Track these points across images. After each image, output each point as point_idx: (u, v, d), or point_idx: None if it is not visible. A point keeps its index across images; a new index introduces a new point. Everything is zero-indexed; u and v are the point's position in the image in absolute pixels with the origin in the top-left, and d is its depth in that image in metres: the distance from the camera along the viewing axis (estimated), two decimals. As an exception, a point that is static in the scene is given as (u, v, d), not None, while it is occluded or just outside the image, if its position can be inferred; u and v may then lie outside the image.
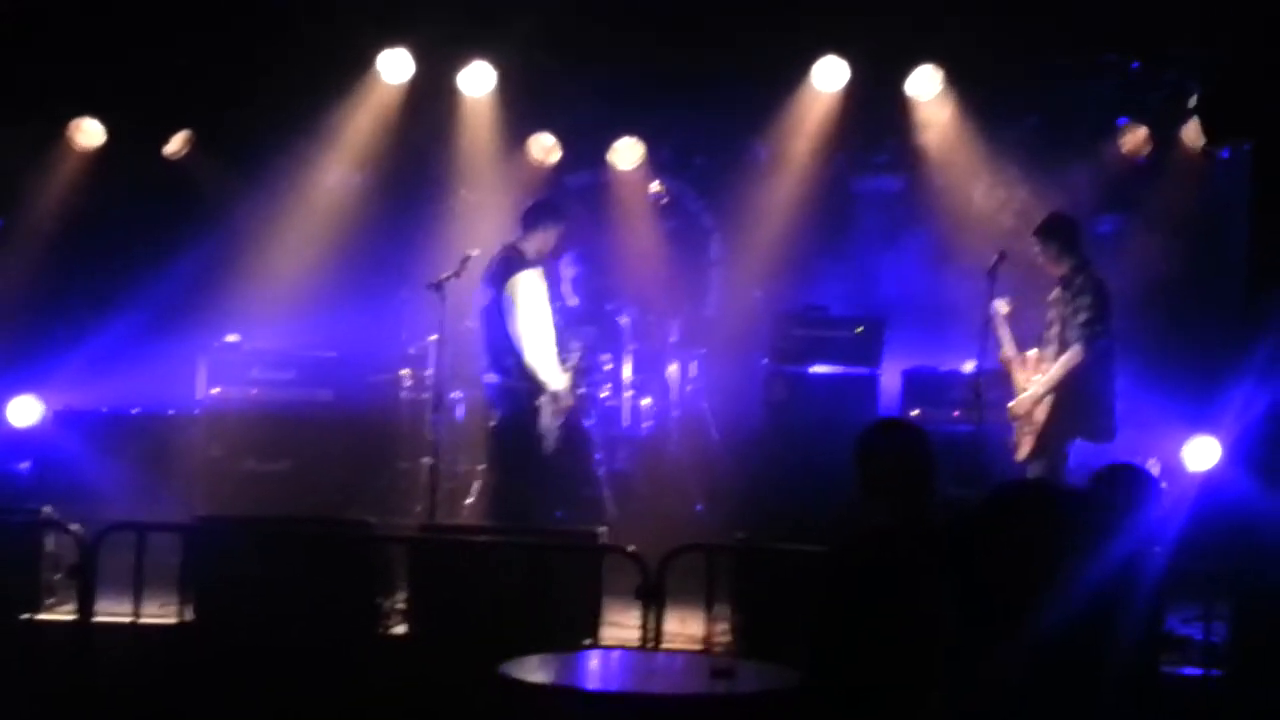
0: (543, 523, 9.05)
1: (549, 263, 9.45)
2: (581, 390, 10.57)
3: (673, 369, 11.03)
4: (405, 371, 10.90)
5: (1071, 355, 8.73)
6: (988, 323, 9.11)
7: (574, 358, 9.53)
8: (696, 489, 10.65)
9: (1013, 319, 9.14)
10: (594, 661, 6.46)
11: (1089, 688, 4.20)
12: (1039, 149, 10.99)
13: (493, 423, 9.31)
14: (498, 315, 9.01)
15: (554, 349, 9.13)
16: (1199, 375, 10.09)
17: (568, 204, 9.55)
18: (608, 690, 5.63)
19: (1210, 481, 8.95)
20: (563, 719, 5.27)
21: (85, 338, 10.95)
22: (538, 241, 9.20)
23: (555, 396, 9.11)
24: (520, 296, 8.95)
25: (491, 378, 9.18)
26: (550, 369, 9.07)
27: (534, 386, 9.01)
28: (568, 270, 11.16)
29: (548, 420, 9.13)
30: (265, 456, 10.56)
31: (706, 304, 12.10)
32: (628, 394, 10.82)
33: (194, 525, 8.16)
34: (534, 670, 5.61)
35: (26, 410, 10.58)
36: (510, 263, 9.09)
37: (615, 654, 7.04)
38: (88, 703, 7.31)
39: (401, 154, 11.51)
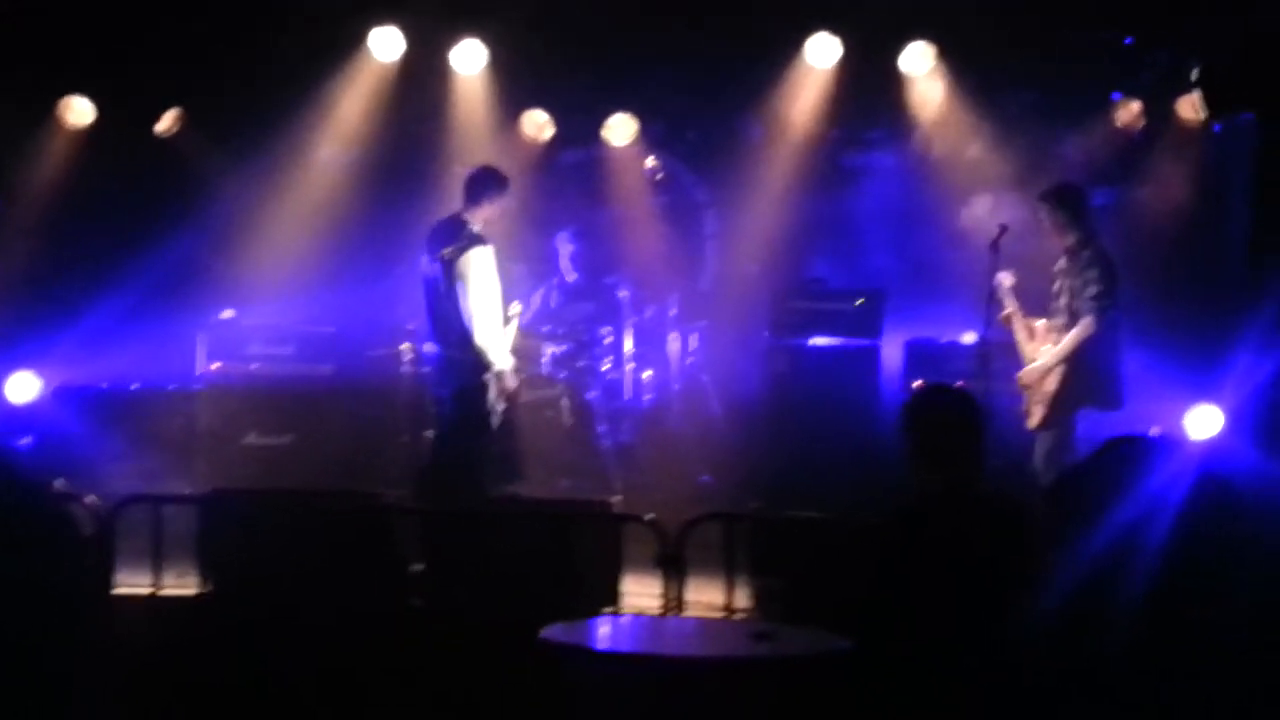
0: (479, 500, 8.79)
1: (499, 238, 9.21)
2: (584, 363, 10.62)
3: (673, 342, 11.06)
4: (405, 346, 10.88)
5: (1083, 327, 8.80)
6: (991, 295, 9.17)
7: (513, 323, 9.27)
8: (700, 460, 10.71)
9: (1016, 290, 9.22)
10: (633, 627, 6.49)
11: (1093, 656, 4.23)
12: (1033, 124, 11.04)
13: (440, 394, 9.21)
14: (447, 286, 8.88)
15: (502, 328, 8.99)
16: (1199, 344, 10.19)
17: (505, 174, 9.27)
18: (659, 654, 5.65)
19: (1212, 449, 9.04)
20: (610, 684, 5.28)
21: (82, 314, 10.89)
22: (485, 212, 9.03)
23: (500, 375, 8.94)
24: (473, 273, 8.79)
25: (436, 349, 9.12)
26: (499, 348, 8.91)
27: (481, 362, 8.87)
28: (565, 247, 11.19)
29: (493, 397, 9.02)
30: (266, 431, 10.56)
31: (703, 278, 12.13)
32: (629, 367, 10.85)
33: (211, 497, 8.16)
34: (575, 636, 5.63)
35: (25, 386, 10.55)
36: (459, 235, 8.93)
37: (652, 620, 7.08)
38: (109, 674, 7.29)
39: (394, 130, 11.51)
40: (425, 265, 9.09)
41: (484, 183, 9.11)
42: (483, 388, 8.87)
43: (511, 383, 8.98)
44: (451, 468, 9.01)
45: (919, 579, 4.89)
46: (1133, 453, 2.81)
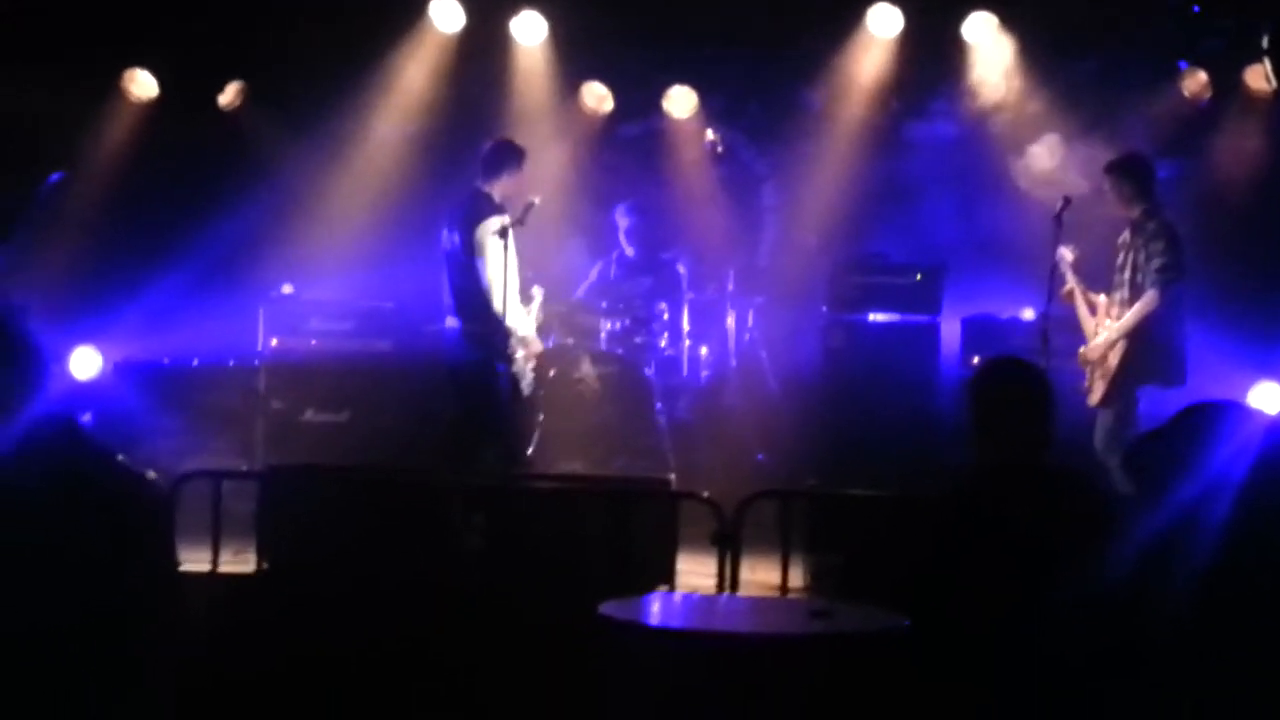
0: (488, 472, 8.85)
1: (515, 206, 9.20)
2: (641, 339, 10.58)
3: (730, 318, 11.01)
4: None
5: (1147, 300, 8.70)
6: (1054, 270, 9.08)
7: (535, 304, 9.34)
8: (756, 438, 10.65)
9: (1077, 265, 9.13)
10: (688, 604, 6.47)
11: (1150, 631, 4.15)
12: (1097, 93, 10.90)
13: (459, 365, 9.24)
14: (467, 259, 8.95)
15: (518, 296, 9.07)
16: (1264, 320, 10.08)
17: (521, 146, 9.40)
18: (714, 629, 5.62)
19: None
20: (666, 660, 5.26)
21: (144, 289, 10.94)
22: (503, 185, 9.11)
23: (525, 341, 9.06)
24: (489, 244, 8.86)
25: (457, 322, 9.15)
26: (516, 314, 9.01)
27: (503, 332, 8.93)
28: (622, 220, 11.15)
29: (521, 365, 9.09)
30: (324, 407, 10.59)
31: (761, 253, 12.06)
32: (686, 343, 10.81)
33: (269, 473, 8.18)
34: (630, 612, 5.60)
35: (87, 362, 10.61)
36: (479, 207, 9.01)
37: (706, 597, 7.06)
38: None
39: (455, 103, 11.48)
40: (445, 239, 9.15)
41: (502, 155, 9.22)
42: (506, 358, 8.92)
43: (537, 347, 9.13)
44: (476, 439, 9.08)
45: (979, 555, 4.84)
46: (1210, 420, 2.74)
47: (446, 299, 9.21)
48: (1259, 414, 2.79)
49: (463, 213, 9.07)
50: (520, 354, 9.07)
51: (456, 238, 9.03)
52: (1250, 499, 2.68)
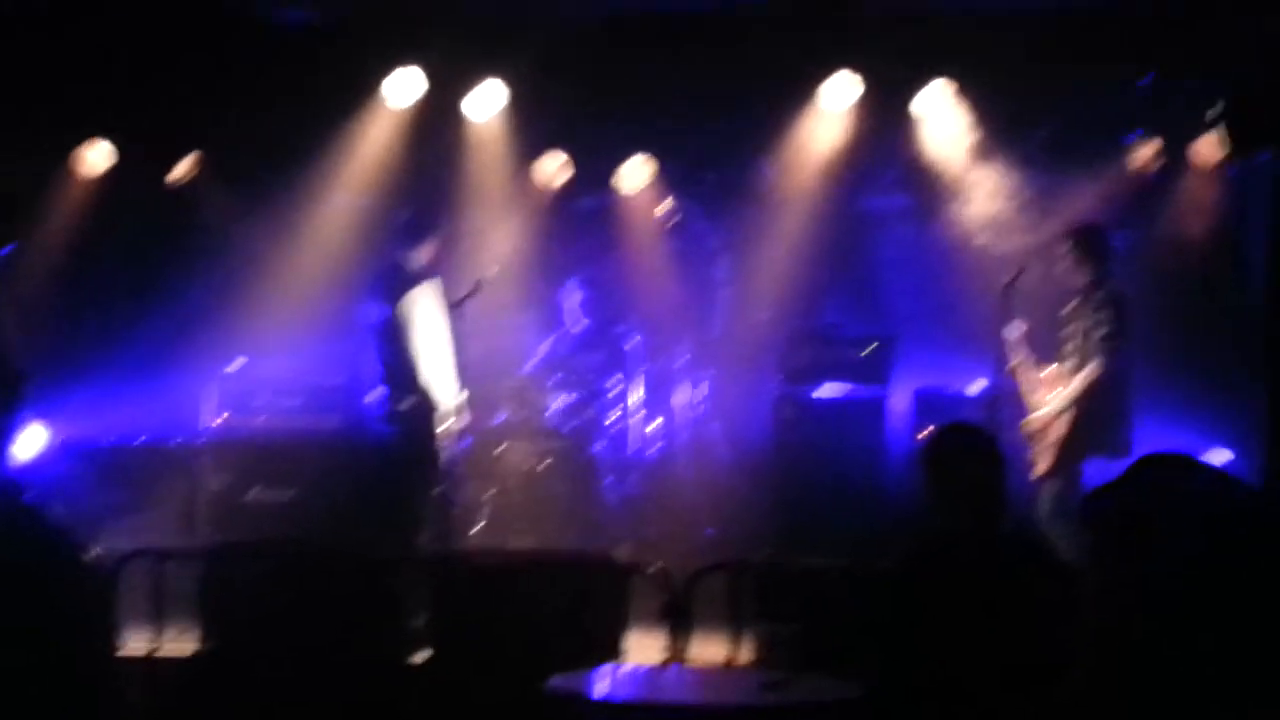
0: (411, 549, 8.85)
1: (438, 274, 9.25)
2: (591, 413, 10.51)
3: (682, 391, 10.95)
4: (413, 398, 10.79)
5: (1093, 369, 8.67)
6: (1004, 342, 9.04)
7: (462, 399, 9.22)
8: (707, 512, 10.57)
9: (1028, 338, 9.11)
10: (636, 676, 6.39)
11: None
12: (1049, 163, 10.94)
13: (386, 442, 9.18)
14: (391, 333, 8.93)
15: (450, 367, 9.02)
16: (1214, 389, 10.08)
17: (439, 215, 9.57)
18: (660, 701, 5.54)
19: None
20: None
21: (93, 365, 10.84)
22: (421, 255, 9.12)
23: (449, 413, 9.00)
24: (415, 314, 8.86)
25: (382, 397, 9.10)
26: (445, 387, 8.97)
27: (429, 406, 8.90)
28: (574, 295, 11.10)
29: (440, 438, 9.02)
30: (271, 484, 10.45)
31: (714, 325, 12.01)
32: (636, 417, 10.72)
33: (212, 551, 8.06)
34: (576, 685, 5.53)
35: (32, 439, 10.46)
36: (399, 278, 9.02)
37: (655, 669, 6.97)
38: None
39: (409, 177, 11.43)
40: (367, 313, 9.15)
41: (418, 226, 9.27)
42: (430, 432, 8.83)
43: (461, 422, 9.04)
44: (397, 514, 9.02)
45: (936, 622, 4.78)
46: (1165, 471, 2.68)
47: (376, 373, 9.16)
48: (1210, 467, 2.73)
49: (385, 286, 9.08)
50: (442, 427, 8.98)
51: (378, 312, 9.01)
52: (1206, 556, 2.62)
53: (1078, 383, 8.72)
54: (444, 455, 9.03)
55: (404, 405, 8.96)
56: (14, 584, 3.03)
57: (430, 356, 8.87)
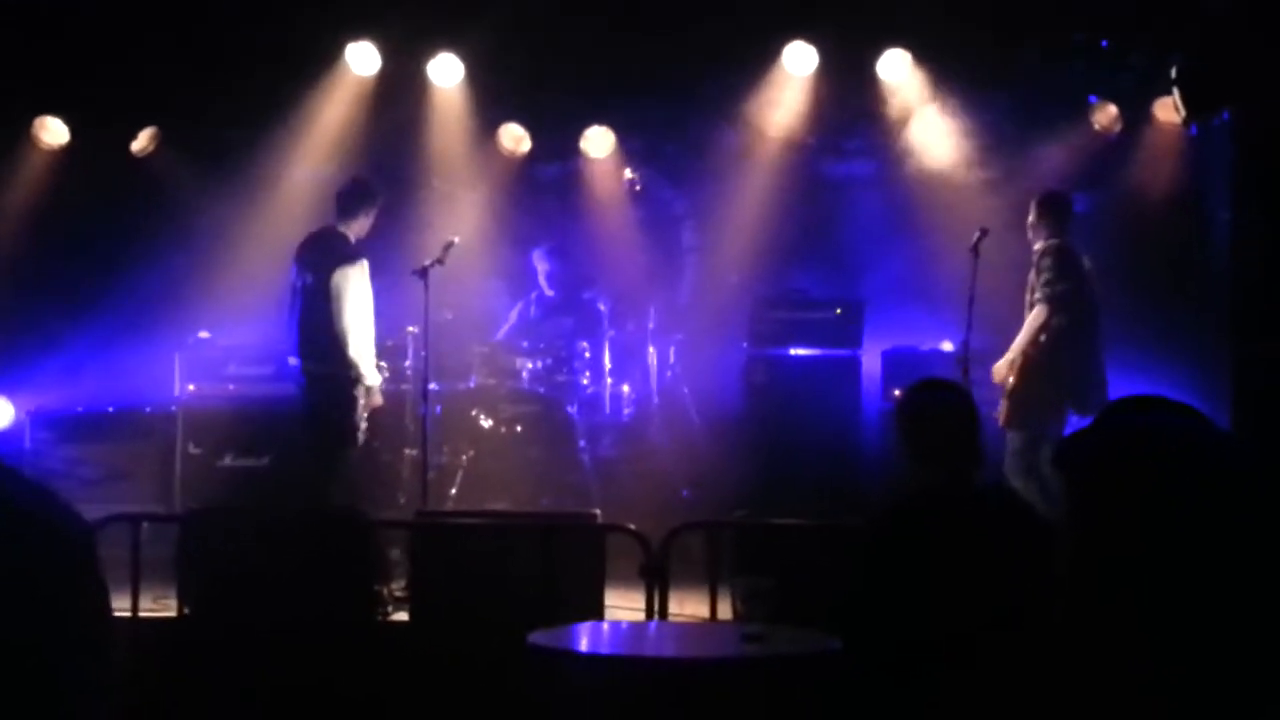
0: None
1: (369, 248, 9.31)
2: (563, 378, 10.55)
3: (652, 355, 11.01)
4: (382, 364, 10.78)
5: (1035, 315, 8.83)
6: (972, 302, 9.13)
7: (379, 380, 9.25)
8: (680, 474, 10.63)
9: (990, 292, 9.22)
10: (619, 632, 6.44)
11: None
12: (1010, 129, 11.03)
13: (303, 408, 9.19)
14: (319, 300, 8.91)
15: (372, 344, 9.06)
16: (1178, 350, 10.19)
17: (379, 185, 9.55)
18: (647, 655, 5.59)
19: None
20: (599, 688, 5.21)
21: (58, 337, 10.80)
22: (358, 225, 9.15)
23: (370, 390, 9.01)
24: (349, 287, 8.87)
25: (300, 362, 9.10)
26: (370, 363, 9.00)
27: (353, 377, 8.90)
28: (541, 263, 11.14)
29: (360, 413, 9.02)
30: (243, 452, 10.47)
31: (681, 290, 12.08)
32: (608, 381, 10.78)
33: (188, 516, 8.07)
34: (560, 641, 5.56)
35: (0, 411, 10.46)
36: (334, 248, 9.03)
37: (638, 624, 7.03)
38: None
39: (372, 146, 11.41)
40: (294, 276, 9.14)
41: (356, 195, 9.25)
42: (352, 402, 8.87)
43: (378, 399, 9.05)
44: (309, 483, 9.02)
45: (914, 576, 4.83)
46: (1142, 410, 2.72)
47: (289, 337, 9.15)
48: (1184, 407, 2.74)
49: (318, 253, 9.06)
50: (362, 402, 8.99)
51: (310, 277, 9.00)
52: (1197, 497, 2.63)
53: (1023, 331, 8.88)
54: (362, 429, 9.02)
55: (322, 371, 8.93)
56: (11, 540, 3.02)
57: (361, 330, 8.88)
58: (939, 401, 5.32)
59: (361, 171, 11.26)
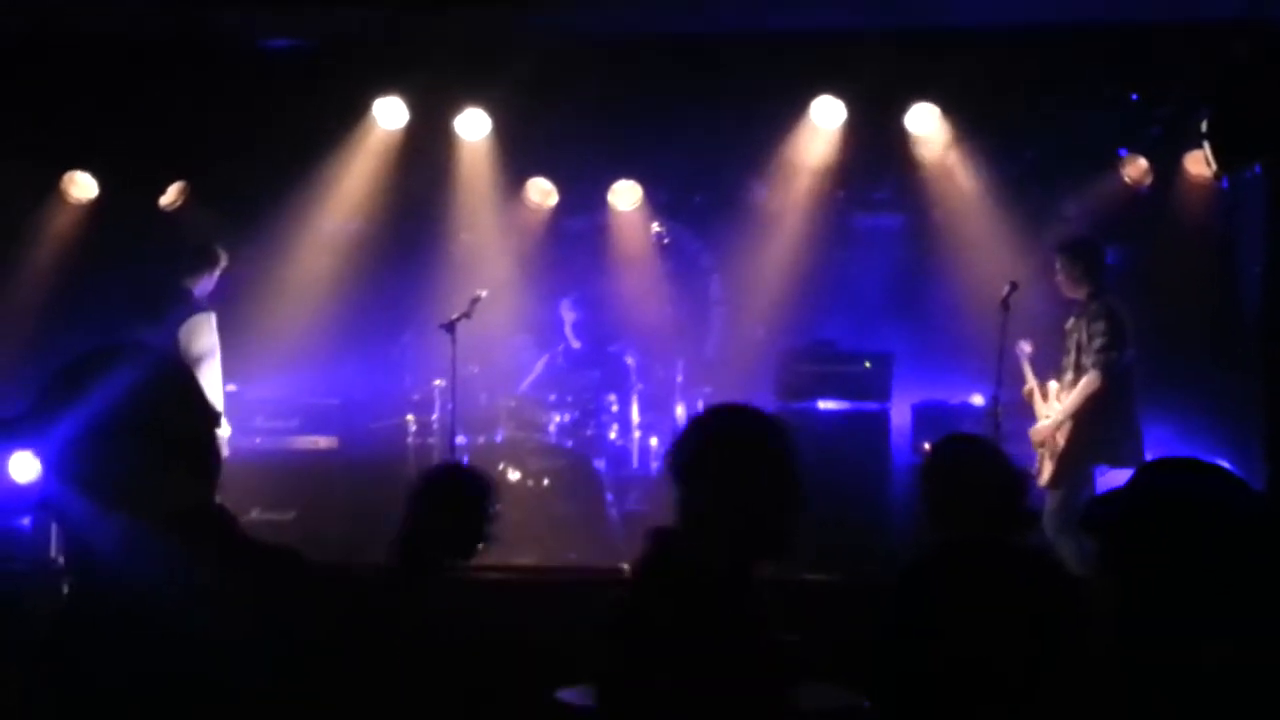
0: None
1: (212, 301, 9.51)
2: (590, 431, 10.51)
3: (679, 409, 10.96)
4: (409, 417, 10.80)
5: (1089, 381, 8.75)
6: (1001, 355, 9.11)
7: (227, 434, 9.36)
8: (708, 528, 10.53)
9: (1034, 357, 9.22)
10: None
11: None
12: (1039, 182, 10.99)
13: None
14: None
15: (220, 399, 9.16)
16: (1211, 403, 10.12)
17: (219, 251, 9.75)
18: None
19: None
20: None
21: (87, 393, 10.78)
22: (202, 282, 9.34)
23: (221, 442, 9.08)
24: (198, 340, 9.00)
25: None
26: (220, 417, 9.05)
27: None
28: (568, 314, 11.13)
29: None
30: (270, 506, 10.40)
31: (709, 345, 12.04)
32: (636, 434, 10.74)
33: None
34: (587, 698, 5.52)
35: (26, 465, 10.42)
36: (181, 304, 9.18)
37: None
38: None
39: (399, 200, 11.46)
40: (146, 334, 9.22)
41: (202, 254, 9.53)
42: None
43: (224, 451, 9.04)
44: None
45: (940, 632, 4.77)
46: (1171, 473, 2.68)
47: None
48: (1218, 470, 2.70)
49: (166, 308, 9.29)
50: None
51: (156, 333, 9.13)
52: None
53: (1075, 395, 8.80)
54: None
55: None
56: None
57: (211, 383, 8.93)
58: (967, 455, 5.27)
59: (385, 225, 11.34)
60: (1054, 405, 8.98)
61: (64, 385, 2.92)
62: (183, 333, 8.93)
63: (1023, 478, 5.34)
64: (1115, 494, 2.79)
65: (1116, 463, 8.69)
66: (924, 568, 5.02)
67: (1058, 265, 9.08)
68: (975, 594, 4.81)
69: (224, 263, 9.53)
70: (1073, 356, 8.93)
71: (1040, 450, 8.98)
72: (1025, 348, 9.19)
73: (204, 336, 8.94)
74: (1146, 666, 2.65)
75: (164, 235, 11.46)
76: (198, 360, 8.86)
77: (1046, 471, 8.86)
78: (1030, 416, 9.16)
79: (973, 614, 4.80)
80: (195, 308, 9.09)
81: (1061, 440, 8.81)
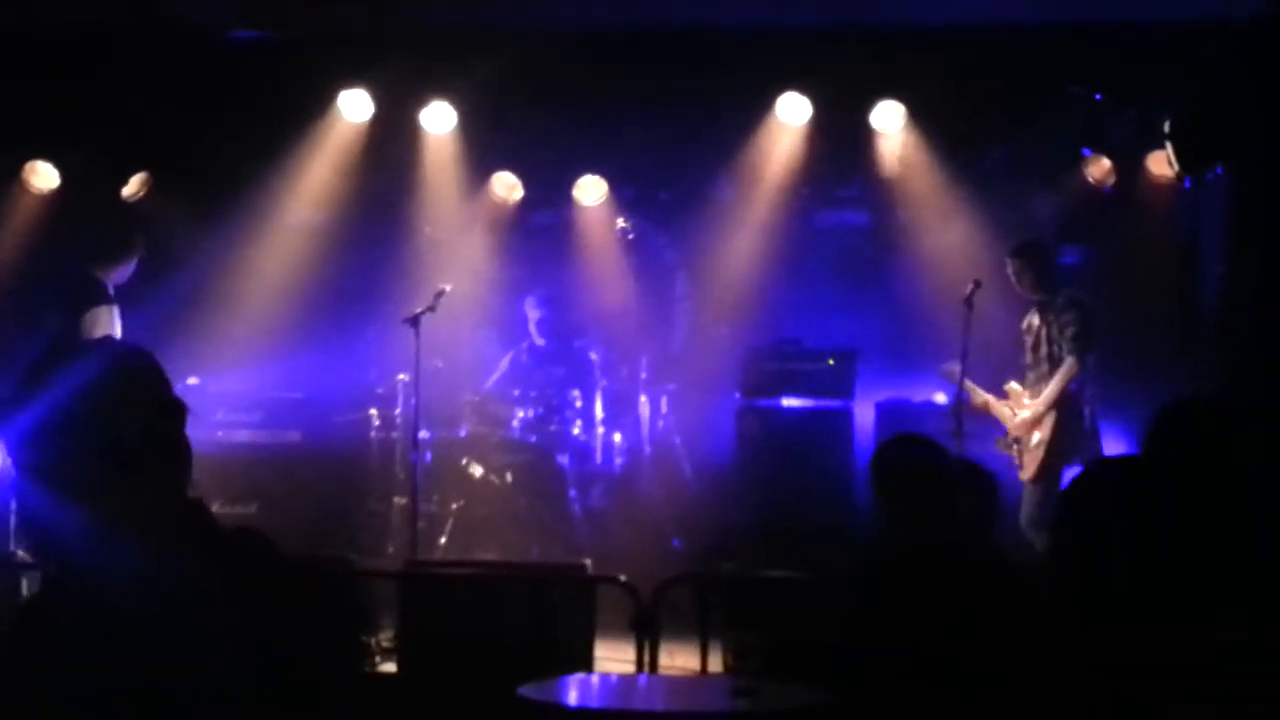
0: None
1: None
2: (554, 427, 10.51)
3: (644, 405, 10.98)
4: (373, 411, 10.77)
5: (1067, 368, 8.82)
6: (966, 353, 9.15)
7: None
8: (672, 524, 10.58)
9: (984, 347, 9.24)
10: (608, 685, 6.37)
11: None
12: (1003, 181, 11.02)
13: None
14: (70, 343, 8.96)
15: None
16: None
17: (139, 234, 9.64)
18: (643, 709, 5.53)
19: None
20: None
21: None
22: (115, 272, 9.28)
23: None
24: (95, 332, 8.92)
25: None
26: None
27: None
28: (532, 312, 11.12)
29: None
30: (232, 499, 10.35)
31: (673, 341, 12.05)
32: (600, 430, 10.74)
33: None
34: (549, 694, 5.50)
35: (-8, 456, 10.37)
36: (88, 292, 9.11)
37: (627, 677, 6.97)
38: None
39: (364, 193, 11.41)
40: (47, 319, 9.21)
41: (118, 243, 9.43)
42: None
43: None
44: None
45: (888, 630, 4.81)
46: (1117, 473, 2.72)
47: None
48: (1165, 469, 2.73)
49: (70, 295, 9.15)
50: None
51: (58, 321, 9.06)
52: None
53: (1055, 383, 8.86)
54: None
55: None
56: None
57: None
58: (911, 456, 5.32)
59: (350, 219, 11.29)
60: (1023, 403, 9.00)
61: (27, 379, 2.93)
62: (85, 322, 8.87)
63: (972, 476, 5.37)
64: (1066, 492, 2.82)
65: (1080, 458, 8.72)
66: (868, 567, 5.07)
67: (1010, 270, 9.16)
68: (917, 593, 4.85)
69: (140, 253, 9.43)
70: (1043, 350, 8.97)
71: (1018, 445, 8.99)
72: (952, 369, 9.18)
73: (102, 329, 8.86)
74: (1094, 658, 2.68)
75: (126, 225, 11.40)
76: None
77: (1030, 467, 8.88)
78: (989, 415, 9.18)
79: (916, 613, 4.83)
80: (100, 299, 8.99)
81: (1045, 433, 8.84)
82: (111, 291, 9.09)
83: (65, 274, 9.31)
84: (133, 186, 11.48)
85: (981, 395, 9.21)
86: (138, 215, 11.41)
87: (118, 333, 8.95)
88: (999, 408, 9.15)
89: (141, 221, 11.34)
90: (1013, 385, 9.14)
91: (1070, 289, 9.06)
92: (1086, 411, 8.88)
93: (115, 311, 8.99)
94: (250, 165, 11.20)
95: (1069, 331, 8.82)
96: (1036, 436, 8.87)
